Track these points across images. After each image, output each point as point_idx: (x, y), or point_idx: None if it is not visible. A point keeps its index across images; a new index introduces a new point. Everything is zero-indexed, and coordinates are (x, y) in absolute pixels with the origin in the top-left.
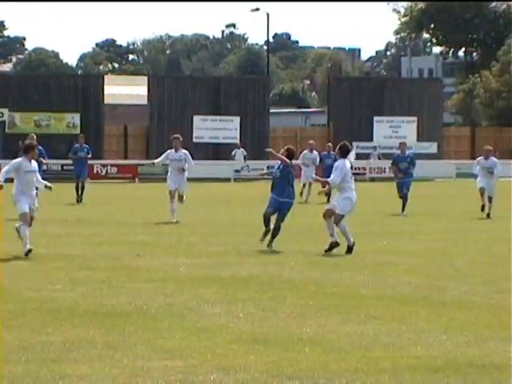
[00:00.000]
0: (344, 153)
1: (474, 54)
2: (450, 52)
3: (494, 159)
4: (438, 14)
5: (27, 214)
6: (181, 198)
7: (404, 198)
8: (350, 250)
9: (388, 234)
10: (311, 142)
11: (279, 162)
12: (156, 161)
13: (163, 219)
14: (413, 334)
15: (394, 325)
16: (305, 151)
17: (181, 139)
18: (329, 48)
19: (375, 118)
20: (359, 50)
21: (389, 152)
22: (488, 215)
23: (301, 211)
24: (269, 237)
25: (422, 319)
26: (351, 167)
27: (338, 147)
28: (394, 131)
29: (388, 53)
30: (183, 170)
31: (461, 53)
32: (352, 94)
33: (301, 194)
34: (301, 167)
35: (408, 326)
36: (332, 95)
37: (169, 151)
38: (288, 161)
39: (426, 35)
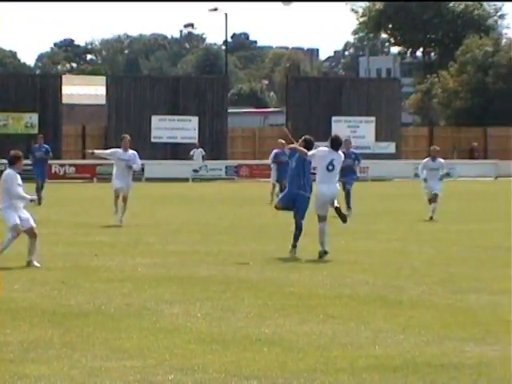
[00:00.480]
0: (334, 145)
1: (432, 54)
2: (408, 52)
3: (441, 160)
4: (396, 14)
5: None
6: (125, 200)
7: (347, 194)
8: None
9: (346, 234)
10: (281, 141)
11: (291, 151)
12: (97, 151)
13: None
14: (371, 334)
15: (352, 324)
16: (276, 150)
17: (129, 139)
18: (287, 48)
19: (333, 118)
20: (317, 50)
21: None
22: (431, 218)
23: (263, 211)
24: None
25: (380, 319)
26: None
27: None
28: (353, 131)
29: (346, 53)
30: (131, 170)
31: (419, 53)
32: (310, 94)
33: (271, 194)
34: (271, 167)
35: (366, 326)
36: (290, 95)
37: (118, 150)
38: (305, 150)
39: (384, 35)
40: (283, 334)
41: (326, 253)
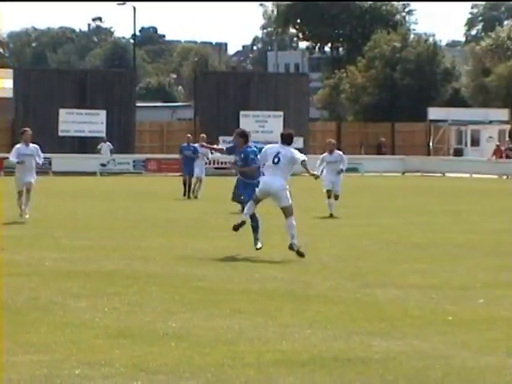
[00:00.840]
0: (284, 140)
1: (340, 49)
2: (317, 47)
3: (339, 153)
4: (305, 9)
5: None
6: (28, 191)
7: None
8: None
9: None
10: (202, 135)
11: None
12: (14, 160)
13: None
14: (278, 329)
15: (260, 319)
16: (195, 145)
17: (30, 133)
18: (195, 42)
19: (241, 113)
20: (226, 44)
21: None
22: (331, 215)
23: (171, 206)
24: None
25: (287, 314)
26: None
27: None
28: (261, 126)
29: (255, 47)
30: (34, 164)
31: (327, 48)
32: (218, 89)
33: (192, 190)
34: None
35: (273, 321)
36: (198, 89)
37: (18, 145)
38: (254, 168)
39: (292, 30)
40: (190, 328)
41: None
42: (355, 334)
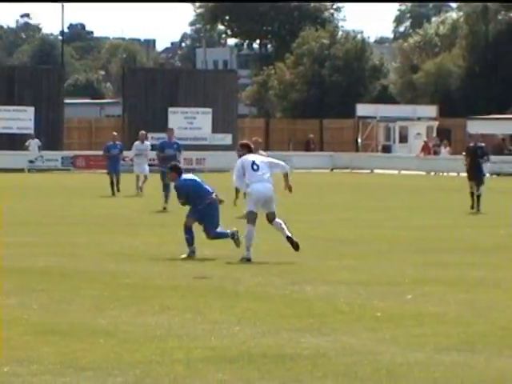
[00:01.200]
0: (246, 150)
1: (269, 46)
2: (245, 44)
3: (263, 153)
4: (233, 6)
5: None
6: None
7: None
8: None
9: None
10: (142, 132)
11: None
12: None
13: None
14: (207, 325)
15: (189, 315)
16: (136, 142)
17: None
18: (124, 39)
19: (170, 109)
20: (154, 41)
21: (183, 143)
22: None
23: (101, 202)
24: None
25: (217, 310)
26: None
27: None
28: (189, 122)
29: (183, 44)
30: None
31: (255, 45)
32: (147, 85)
33: (140, 187)
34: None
35: (202, 317)
36: (126, 86)
37: None
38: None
39: (221, 27)
40: (119, 325)
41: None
42: (284, 330)
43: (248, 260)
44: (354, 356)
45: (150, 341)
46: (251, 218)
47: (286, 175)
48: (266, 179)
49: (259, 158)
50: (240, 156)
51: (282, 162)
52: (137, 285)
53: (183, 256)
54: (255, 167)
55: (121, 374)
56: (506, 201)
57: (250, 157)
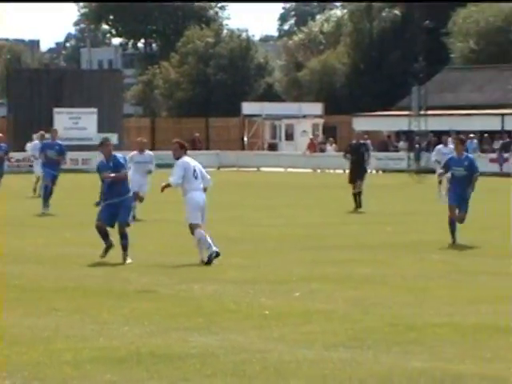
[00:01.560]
0: (183, 151)
1: (154, 45)
2: (130, 43)
3: (150, 153)
4: (117, 6)
5: None
6: None
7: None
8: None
9: (74, 225)
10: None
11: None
12: None
13: None
14: (95, 326)
15: (77, 316)
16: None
17: None
18: (7, 39)
19: (55, 110)
20: (38, 41)
21: (69, 144)
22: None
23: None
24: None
25: (105, 311)
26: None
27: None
28: (75, 123)
29: (68, 44)
30: None
31: (140, 44)
32: (31, 86)
33: (34, 188)
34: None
35: (91, 318)
36: (11, 87)
37: None
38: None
39: (105, 26)
40: (7, 327)
41: (216, 255)
42: (173, 329)
43: (217, 254)
44: (243, 354)
45: (37, 343)
46: (196, 226)
47: (205, 189)
48: (201, 188)
49: (197, 164)
50: (176, 156)
51: (208, 176)
52: (24, 286)
53: (129, 261)
54: (196, 175)
55: (9, 376)
56: (391, 197)
57: (191, 162)
